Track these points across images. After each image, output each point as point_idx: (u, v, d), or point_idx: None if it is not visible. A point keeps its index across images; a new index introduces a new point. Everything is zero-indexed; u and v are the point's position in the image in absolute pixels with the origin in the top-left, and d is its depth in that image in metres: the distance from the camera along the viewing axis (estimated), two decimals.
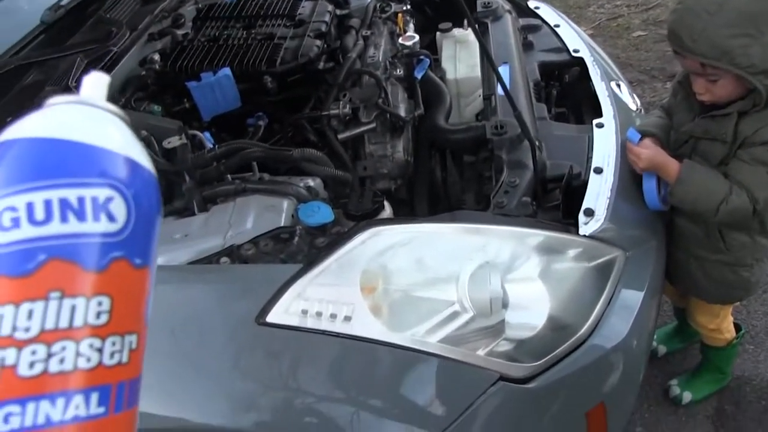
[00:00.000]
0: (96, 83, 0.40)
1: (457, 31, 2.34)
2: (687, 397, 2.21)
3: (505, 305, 1.17)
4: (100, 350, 0.31)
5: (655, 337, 2.35)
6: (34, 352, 0.30)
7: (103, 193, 0.32)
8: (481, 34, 2.27)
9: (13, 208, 0.31)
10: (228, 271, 1.25)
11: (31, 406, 0.29)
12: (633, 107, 2.03)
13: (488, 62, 2.12)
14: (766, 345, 2.38)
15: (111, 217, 0.32)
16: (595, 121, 1.78)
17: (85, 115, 0.36)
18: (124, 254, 0.33)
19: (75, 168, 0.32)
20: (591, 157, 1.64)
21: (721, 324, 2.01)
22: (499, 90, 1.93)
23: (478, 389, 1.13)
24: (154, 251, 0.36)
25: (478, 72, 2.16)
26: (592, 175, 1.57)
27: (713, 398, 2.25)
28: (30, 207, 0.31)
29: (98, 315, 0.31)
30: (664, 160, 1.57)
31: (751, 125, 1.48)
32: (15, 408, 0.29)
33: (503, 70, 1.99)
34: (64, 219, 0.31)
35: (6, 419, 0.29)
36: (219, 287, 1.24)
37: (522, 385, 1.17)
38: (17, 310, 0.30)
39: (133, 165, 0.34)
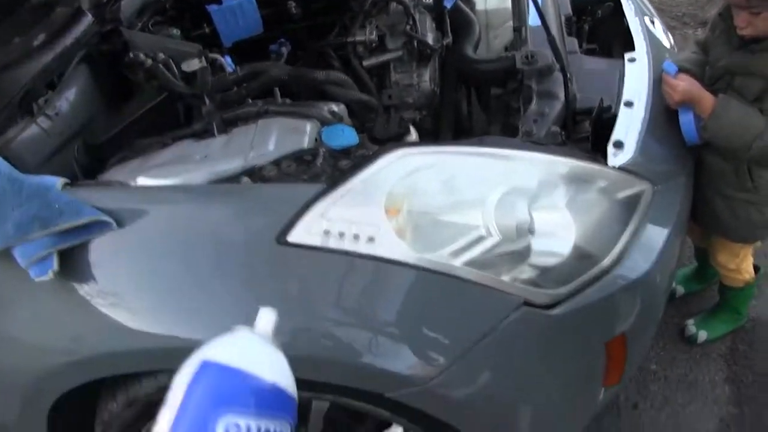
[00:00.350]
0: (268, 319, 0.60)
1: None
2: (702, 336, 2.21)
3: (531, 231, 1.16)
4: None
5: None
6: None
7: (285, 427, 0.47)
8: None
9: (237, 426, 0.44)
10: (248, 191, 1.24)
11: None
12: (666, 44, 1.97)
13: None
14: None
15: None
16: (627, 56, 1.73)
17: (272, 356, 0.54)
18: None
19: (274, 404, 0.48)
20: (622, 91, 1.60)
21: (740, 264, 1.99)
22: (530, 21, 1.88)
23: (502, 313, 1.13)
24: None
25: (508, 3, 2.09)
26: (623, 109, 1.52)
27: (727, 338, 2.25)
28: (249, 428, 0.44)
29: None
30: (700, 94, 1.53)
31: None
32: None
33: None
34: None
35: None
36: (239, 206, 1.22)
37: (545, 311, 1.16)
38: None
39: (293, 402, 0.50)
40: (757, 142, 1.48)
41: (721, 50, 1.58)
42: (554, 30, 1.79)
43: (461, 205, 1.17)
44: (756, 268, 2.10)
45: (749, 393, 2.10)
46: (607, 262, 1.25)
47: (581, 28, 2.07)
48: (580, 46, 1.90)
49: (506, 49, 2.09)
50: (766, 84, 1.49)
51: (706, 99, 1.52)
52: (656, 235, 1.36)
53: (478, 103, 2.02)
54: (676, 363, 2.22)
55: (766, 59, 1.47)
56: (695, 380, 2.17)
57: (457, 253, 1.11)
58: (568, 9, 2.03)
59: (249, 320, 1.12)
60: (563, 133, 1.41)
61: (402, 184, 1.19)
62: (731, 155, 1.62)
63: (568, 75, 1.54)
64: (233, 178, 1.27)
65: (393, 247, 1.11)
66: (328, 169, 1.29)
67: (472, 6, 2.14)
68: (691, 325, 2.24)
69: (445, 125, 1.83)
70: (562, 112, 1.46)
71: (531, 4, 1.93)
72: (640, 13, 1.96)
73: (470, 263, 1.12)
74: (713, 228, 1.90)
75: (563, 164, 1.31)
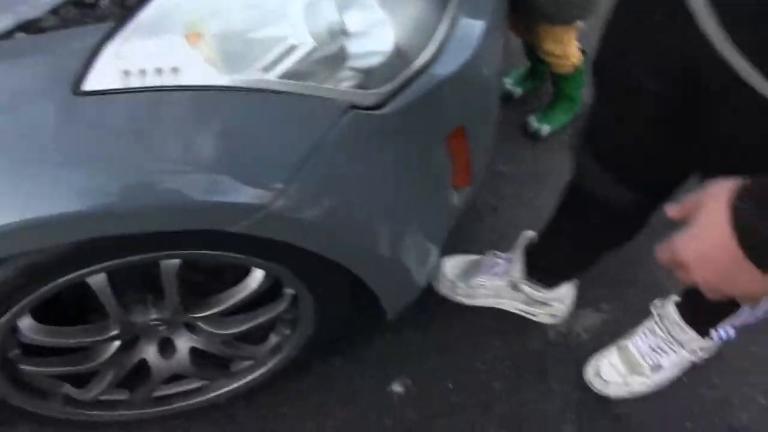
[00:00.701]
0: None
1: None
2: (545, 129, 2.31)
3: (345, 33, 1.10)
4: None
5: (510, 80, 2.40)
6: None
7: None
8: None
9: None
10: (26, 45, 1.09)
11: None
12: None
13: None
14: None
15: None
16: None
17: None
18: None
19: None
20: None
21: (566, 49, 2.05)
22: None
23: (329, 121, 1.09)
24: None
25: None
26: None
27: (567, 128, 2.36)
28: None
29: None
30: None
31: None
32: None
33: None
34: None
35: None
36: (21, 66, 1.07)
37: (373, 112, 1.13)
38: None
39: None
40: None
41: None
42: None
43: (267, 18, 1.08)
44: (582, 52, 2.18)
45: None
46: (425, 56, 1.23)
47: None
48: None
49: None
50: None
51: None
52: (473, 27, 1.35)
53: None
54: (525, 160, 2.31)
55: None
56: (544, 173, 2.27)
57: (270, 67, 1.04)
58: None
59: (68, 186, 1.04)
60: None
61: (199, 7, 1.08)
62: None
63: None
64: (5, 36, 1.11)
65: (200, 74, 1.03)
66: (115, 10, 1.15)
67: None
68: (533, 121, 2.33)
69: None
70: None
71: None
72: None
73: (286, 75, 1.05)
74: (534, 15, 1.93)
75: None
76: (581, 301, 1.98)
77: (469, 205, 1.97)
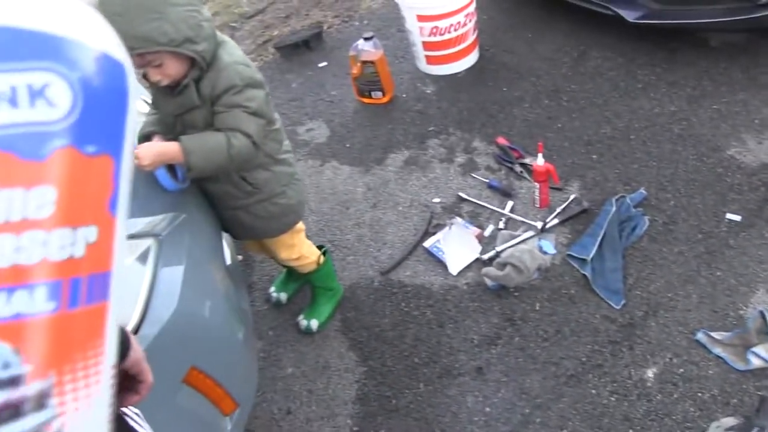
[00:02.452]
0: None
1: None
2: (314, 324, 2.48)
3: None
4: (45, 244, 0.29)
5: (273, 288, 2.59)
6: None
7: (40, 79, 0.29)
8: None
9: None
10: None
11: None
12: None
13: None
14: (360, 251, 2.75)
15: (50, 104, 0.29)
16: None
17: None
18: (71, 142, 0.30)
19: (4, 53, 0.29)
20: None
21: (301, 251, 2.28)
22: None
23: None
24: (121, 138, 0.33)
25: None
26: None
27: (337, 313, 2.56)
28: None
29: (41, 207, 0.29)
30: (163, 148, 1.72)
31: (209, 84, 1.70)
32: None
33: None
34: None
35: None
36: None
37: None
38: None
39: (78, 47, 0.30)
40: (229, 152, 1.72)
41: (164, 102, 1.79)
42: None
43: None
44: (320, 247, 2.42)
45: (370, 346, 2.43)
46: (136, 318, 1.36)
47: None
48: None
49: None
50: (206, 110, 1.74)
51: (171, 147, 1.71)
52: (174, 275, 1.51)
53: None
54: (307, 356, 2.46)
55: (190, 93, 1.71)
56: (327, 363, 2.43)
57: None
58: None
59: None
60: None
61: None
62: (224, 175, 1.86)
63: None
64: None
65: None
66: None
67: None
68: (302, 320, 2.50)
69: None
70: None
71: None
72: None
73: None
74: (254, 236, 2.14)
75: None
76: None
77: (251, 418, 2.06)
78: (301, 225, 2.25)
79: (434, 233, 2.69)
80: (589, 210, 2.62)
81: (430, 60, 3.49)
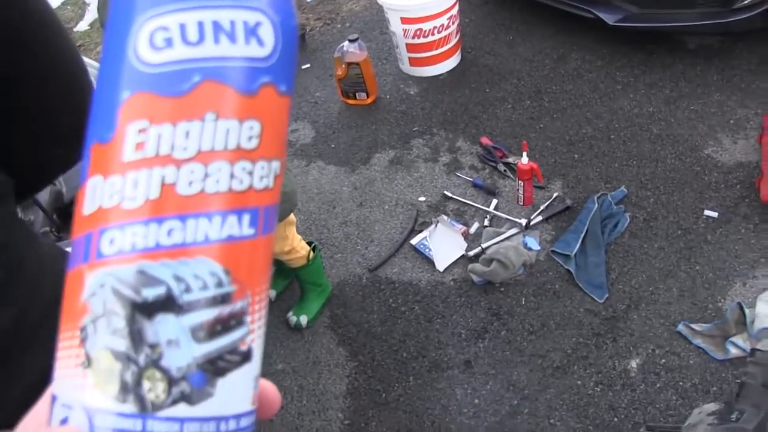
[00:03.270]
0: None
1: None
2: (304, 320, 2.52)
3: None
4: (251, 173, 0.31)
5: None
6: (192, 172, 0.30)
7: (253, 17, 0.31)
8: None
9: (165, 28, 0.30)
10: None
11: (191, 223, 0.29)
12: None
13: None
14: (347, 249, 2.79)
15: (260, 42, 0.31)
16: None
17: None
18: (272, 80, 0.32)
19: None
20: None
21: (293, 244, 2.31)
22: None
23: None
24: (293, 81, 0.35)
25: None
26: None
27: (325, 310, 2.59)
28: (183, 28, 0.30)
29: (250, 139, 0.31)
30: None
31: None
32: (176, 223, 0.29)
33: None
34: (216, 41, 0.30)
35: (169, 233, 0.29)
36: None
37: None
38: (175, 130, 0.29)
39: None
40: None
41: None
42: None
43: None
44: (309, 243, 2.46)
45: (359, 342, 2.46)
46: None
47: None
48: None
49: None
50: None
51: None
52: None
53: None
54: (296, 352, 2.49)
55: None
56: (317, 359, 2.46)
57: None
58: None
59: None
60: (54, 229, 1.51)
61: None
62: None
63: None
64: None
65: None
66: None
67: None
68: (291, 316, 2.54)
69: None
70: (50, 212, 1.55)
71: None
72: None
73: None
74: None
75: None
76: None
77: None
78: (293, 217, 2.29)
79: (420, 231, 2.74)
80: (571, 207, 2.69)
81: (414, 62, 3.54)
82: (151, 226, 0.29)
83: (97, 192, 0.30)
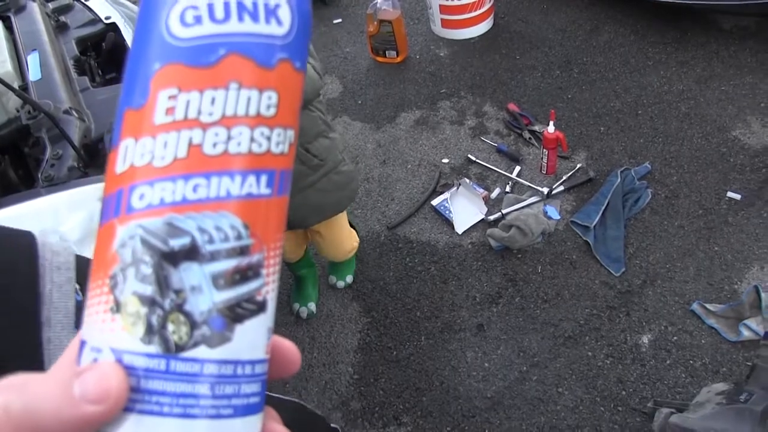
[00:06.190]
0: None
1: None
2: (350, 279, 2.54)
3: None
4: (268, 138, 0.34)
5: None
6: (216, 134, 0.33)
7: None
8: (7, 29, 2.25)
9: (194, 7, 0.33)
10: None
11: (214, 180, 0.32)
12: None
13: (16, 54, 2.12)
14: (368, 205, 2.80)
15: (279, 22, 0.35)
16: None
17: None
18: (288, 56, 0.35)
19: None
20: None
21: (353, 235, 2.31)
22: (31, 77, 1.95)
23: None
24: (307, 60, 0.39)
25: (9, 66, 2.12)
26: None
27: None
28: (210, 7, 0.33)
29: (268, 107, 0.34)
30: None
31: None
32: (201, 180, 0.32)
33: (33, 58, 2.02)
34: (240, 19, 0.34)
35: (195, 189, 0.32)
36: None
37: None
38: (202, 97, 0.33)
39: None
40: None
41: None
42: (59, 76, 1.89)
43: None
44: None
45: (373, 299, 2.49)
46: None
47: (90, 64, 2.18)
48: (94, 80, 2.03)
49: (17, 110, 2.12)
50: None
51: None
52: None
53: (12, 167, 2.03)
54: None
55: None
56: (330, 312, 2.49)
57: None
58: (75, 51, 2.15)
59: None
60: (81, 165, 1.52)
61: None
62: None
63: (77, 114, 1.66)
64: None
65: None
66: None
67: None
68: (338, 282, 2.55)
69: None
70: (78, 147, 1.57)
71: (28, 62, 2.00)
72: None
73: None
74: (317, 218, 2.05)
75: (96, 189, 1.42)
76: (382, 421, 2.16)
77: None
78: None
79: (442, 192, 2.75)
80: (594, 179, 2.68)
81: (446, 24, 3.51)
82: (179, 182, 0.32)
83: (129, 152, 0.33)
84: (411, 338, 2.36)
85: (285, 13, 0.35)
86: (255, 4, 0.34)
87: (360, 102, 3.27)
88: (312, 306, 2.50)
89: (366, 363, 2.33)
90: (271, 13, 0.35)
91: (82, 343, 0.33)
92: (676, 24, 3.33)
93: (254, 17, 0.34)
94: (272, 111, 0.34)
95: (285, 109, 0.35)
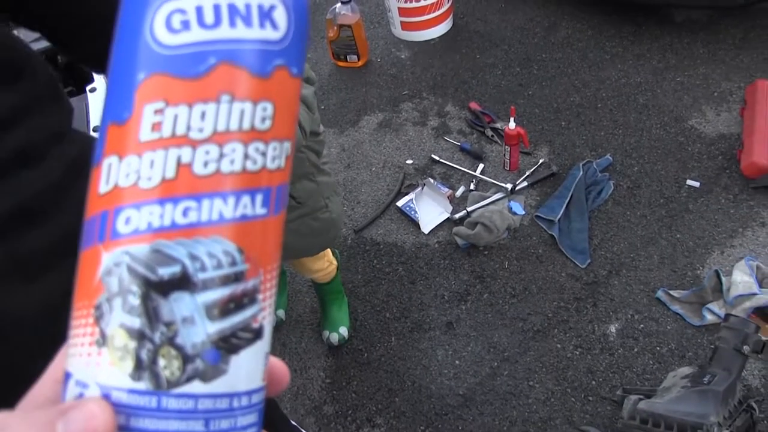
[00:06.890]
0: None
1: None
2: (344, 332, 2.36)
3: None
4: (264, 154, 0.31)
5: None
6: (207, 152, 0.30)
7: (267, 0, 0.32)
8: None
9: (182, 11, 0.30)
10: None
11: (206, 203, 0.30)
12: None
13: None
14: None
15: (274, 25, 0.32)
16: (88, 87, 1.89)
17: None
18: (285, 62, 0.32)
19: None
20: (89, 119, 1.76)
21: (330, 258, 2.24)
22: None
23: None
24: (304, 64, 0.36)
25: None
26: (93, 134, 1.68)
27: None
28: (199, 10, 0.30)
29: (263, 120, 0.31)
30: None
31: None
32: (192, 203, 0.29)
33: None
34: (232, 24, 0.30)
35: (185, 213, 0.29)
36: None
37: None
38: (191, 111, 0.30)
39: None
40: None
41: None
42: None
43: None
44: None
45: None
46: None
47: None
48: None
49: None
50: None
51: None
52: None
53: None
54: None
55: None
56: (300, 317, 2.48)
57: None
58: None
59: None
60: None
61: None
62: None
63: None
64: None
65: None
66: None
67: None
68: (328, 335, 2.37)
69: None
70: None
71: None
72: None
73: None
74: (292, 256, 2.03)
75: None
76: (356, 424, 2.16)
77: None
78: None
79: (407, 193, 2.75)
80: (557, 174, 2.71)
81: (405, 26, 3.52)
82: (167, 205, 0.30)
83: (113, 171, 0.30)
84: (381, 339, 2.36)
85: (281, 15, 0.32)
86: (248, 7, 0.31)
87: (323, 107, 3.27)
88: (281, 313, 2.48)
89: (337, 367, 2.32)
90: (266, 16, 0.32)
91: (68, 376, 0.31)
92: (632, 19, 3.38)
93: (247, 21, 0.31)
94: (267, 123, 0.32)
95: (281, 120, 0.32)
